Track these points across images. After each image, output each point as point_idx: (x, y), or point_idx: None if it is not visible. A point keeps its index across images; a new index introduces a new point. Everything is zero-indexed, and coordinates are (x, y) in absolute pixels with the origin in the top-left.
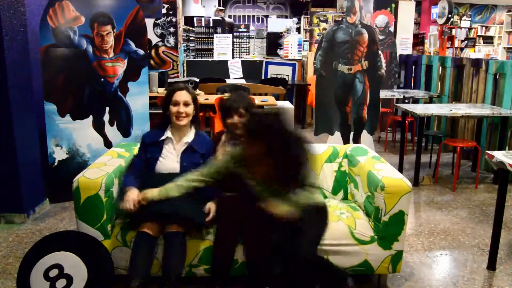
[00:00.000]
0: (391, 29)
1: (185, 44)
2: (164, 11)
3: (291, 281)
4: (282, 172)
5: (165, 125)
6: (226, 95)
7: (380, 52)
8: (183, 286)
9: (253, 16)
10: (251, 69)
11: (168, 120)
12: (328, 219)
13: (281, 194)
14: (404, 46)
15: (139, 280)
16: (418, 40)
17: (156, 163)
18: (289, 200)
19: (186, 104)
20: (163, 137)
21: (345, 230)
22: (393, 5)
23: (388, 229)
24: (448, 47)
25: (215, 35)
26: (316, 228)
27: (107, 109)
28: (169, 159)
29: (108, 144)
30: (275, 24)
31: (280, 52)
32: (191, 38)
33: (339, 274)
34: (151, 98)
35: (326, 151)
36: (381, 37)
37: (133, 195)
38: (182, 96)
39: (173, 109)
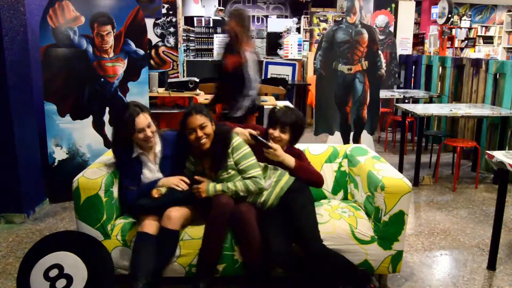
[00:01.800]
0: (391, 29)
1: (185, 44)
2: (164, 11)
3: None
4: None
5: (127, 141)
6: (279, 105)
7: (380, 52)
8: (183, 286)
9: (253, 16)
10: None
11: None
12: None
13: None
14: (404, 46)
15: (143, 280)
16: (418, 40)
17: (140, 177)
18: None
19: (148, 126)
20: (135, 154)
21: (346, 229)
22: (393, 5)
23: (388, 229)
24: (448, 47)
25: (215, 35)
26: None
27: (107, 109)
28: (151, 171)
29: (108, 144)
30: (275, 24)
31: (280, 52)
32: (191, 38)
33: (362, 274)
34: (151, 98)
35: (326, 151)
36: (381, 37)
37: (174, 178)
38: (142, 122)
39: (139, 135)
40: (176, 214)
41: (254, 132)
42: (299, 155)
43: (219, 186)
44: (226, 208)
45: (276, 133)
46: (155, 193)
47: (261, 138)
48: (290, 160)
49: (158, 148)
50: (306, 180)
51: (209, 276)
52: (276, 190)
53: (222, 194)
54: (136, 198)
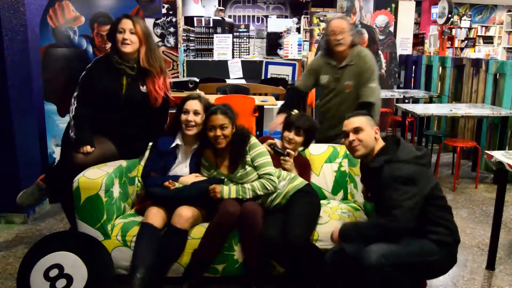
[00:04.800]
0: (391, 29)
1: (185, 44)
2: (164, 11)
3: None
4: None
5: (175, 129)
6: (294, 112)
7: (380, 52)
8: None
9: (253, 16)
10: (251, 69)
11: (178, 125)
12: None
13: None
14: (404, 46)
15: (142, 270)
16: (418, 40)
17: (170, 169)
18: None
19: (196, 113)
20: (173, 144)
21: None
22: (393, 5)
23: None
24: (448, 47)
25: (215, 35)
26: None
27: None
28: (180, 166)
29: None
30: (275, 24)
31: (280, 52)
32: (191, 38)
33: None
34: None
35: (326, 151)
36: (381, 37)
37: (191, 177)
38: (193, 105)
39: (183, 116)
40: (187, 213)
41: (272, 141)
42: (305, 164)
43: (233, 191)
44: (231, 217)
45: (291, 135)
46: (168, 183)
47: (278, 148)
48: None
49: (195, 145)
50: None
51: (197, 277)
52: (287, 189)
53: (231, 201)
54: (152, 184)
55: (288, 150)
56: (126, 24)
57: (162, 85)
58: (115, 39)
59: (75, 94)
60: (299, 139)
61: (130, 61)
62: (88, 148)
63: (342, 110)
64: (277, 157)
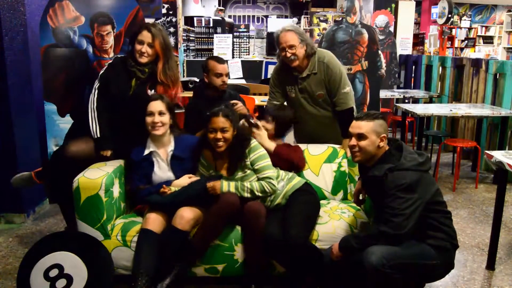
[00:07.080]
0: (391, 29)
1: (185, 44)
2: (164, 11)
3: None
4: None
5: (143, 138)
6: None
7: (380, 52)
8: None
9: (253, 16)
10: (251, 69)
11: (144, 131)
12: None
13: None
14: (404, 46)
15: (145, 277)
16: (418, 40)
17: (151, 177)
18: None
19: (161, 113)
20: (147, 152)
21: (346, 229)
22: (393, 5)
23: None
24: (448, 47)
25: (215, 35)
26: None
27: None
28: (162, 170)
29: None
30: (275, 24)
31: None
32: (191, 38)
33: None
34: None
35: (325, 151)
36: (381, 37)
37: (185, 178)
38: (156, 106)
39: (148, 119)
40: (188, 214)
41: (246, 114)
42: (295, 149)
43: (232, 186)
44: (231, 207)
45: (262, 122)
46: (163, 189)
47: (252, 120)
48: (270, 145)
49: (170, 148)
50: (286, 164)
51: (188, 263)
52: (286, 189)
53: (233, 193)
54: (146, 195)
55: (257, 122)
56: (146, 37)
57: (174, 95)
58: (134, 45)
59: (96, 85)
60: (269, 126)
61: (142, 66)
62: (108, 153)
63: (319, 123)
64: (250, 128)
